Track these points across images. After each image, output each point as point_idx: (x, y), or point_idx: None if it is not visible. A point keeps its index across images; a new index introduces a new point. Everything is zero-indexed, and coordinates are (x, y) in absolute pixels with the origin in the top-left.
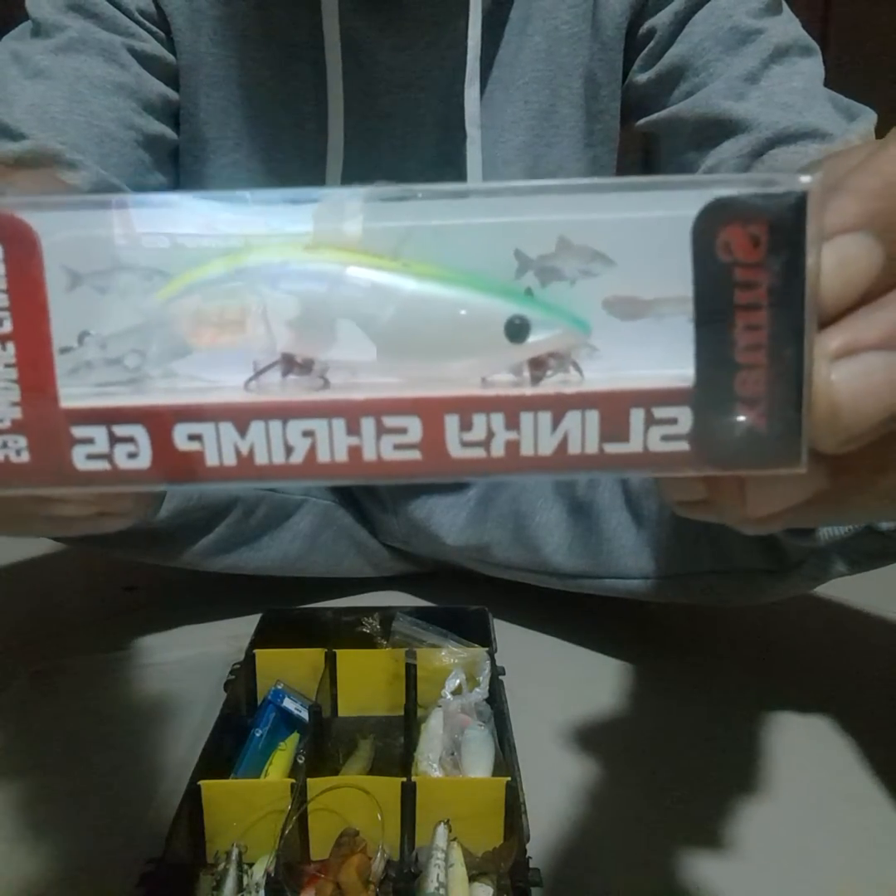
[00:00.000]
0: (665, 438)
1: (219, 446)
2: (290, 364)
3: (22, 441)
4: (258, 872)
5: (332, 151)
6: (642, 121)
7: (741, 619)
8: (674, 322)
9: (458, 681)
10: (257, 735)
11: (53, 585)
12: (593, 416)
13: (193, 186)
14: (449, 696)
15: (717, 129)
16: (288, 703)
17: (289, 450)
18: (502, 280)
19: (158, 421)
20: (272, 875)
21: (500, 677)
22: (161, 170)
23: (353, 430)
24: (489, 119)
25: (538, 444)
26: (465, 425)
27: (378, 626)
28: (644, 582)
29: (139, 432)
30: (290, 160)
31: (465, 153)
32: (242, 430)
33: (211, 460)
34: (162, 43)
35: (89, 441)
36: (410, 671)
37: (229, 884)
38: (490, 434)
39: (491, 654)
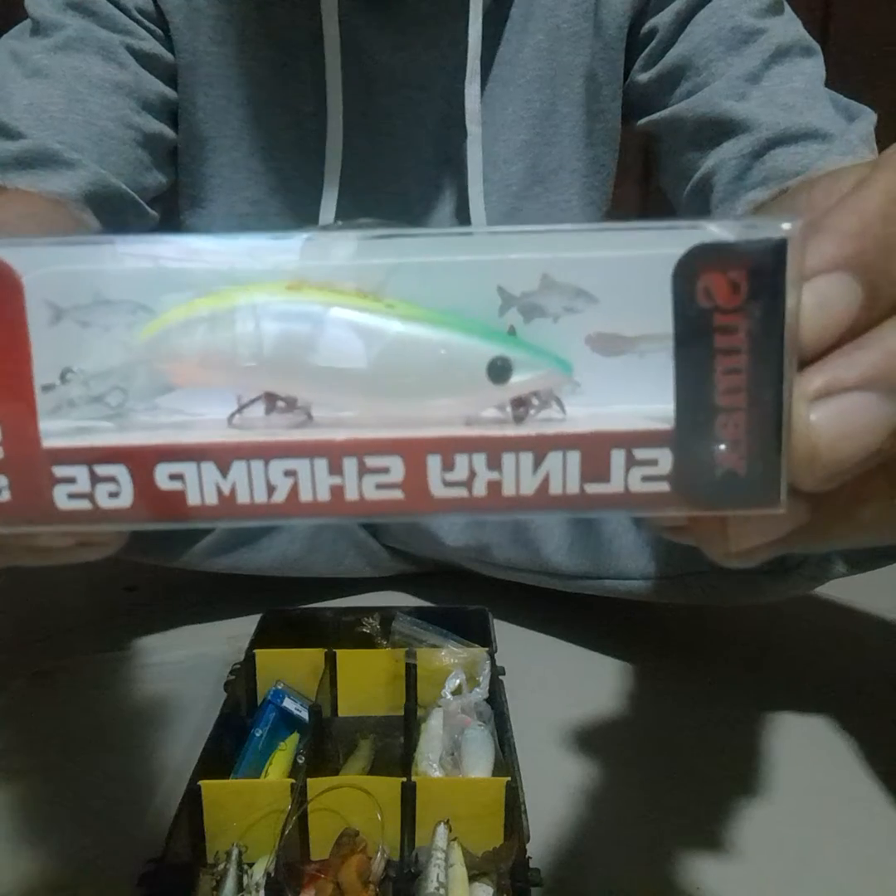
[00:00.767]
0: (646, 479)
1: (200, 486)
2: (272, 401)
3: (3, 480)
4: (258, 872)
5: (330, 150)
6: (643, 120)
7: (741, 619)
8: (656, 359)
9: (458, 681)
10: (257, 735)
11: (53, 585)
12: (575, 457)
13: (192, 185)
14: (449, 696)
15: (718, 129)
16: (288, 703)
17: (271, 489)
18: (485, 319)
19: (140, 461)
20: (272, 875)
21: (500, 677)
22: (160, 169)
23: (335, 469)
24: (490, 117)
25: (520, 484)
26: (448, 465)
27: (378, 626)
28: (644, 582)
29: (121, 472)
30: (288, 159)
31: (465, 151)
32: (224, 470)
33: (192, 500)
34: (160, 41)
35: (71, 480)
36: (410, 671)
37: (229, 884)
38: (472, 474)
39: (491, 654)
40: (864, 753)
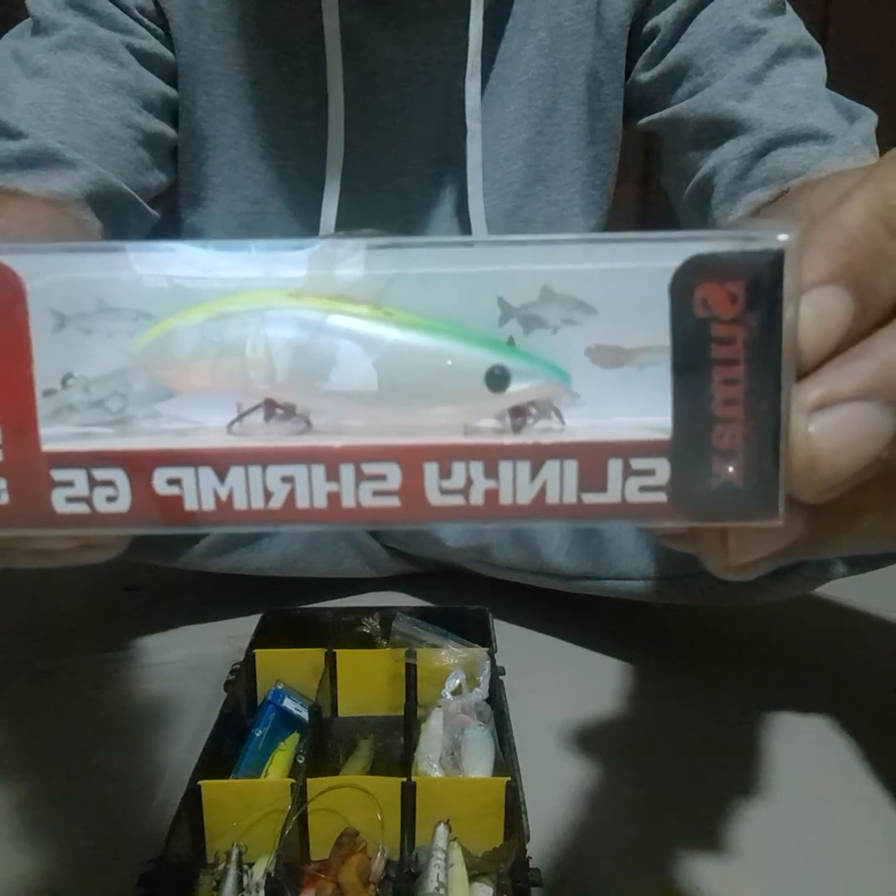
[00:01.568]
0: (643, 489)
1: (198, 491)
2: (271, 408)
3: (2, 483)
4: (258, 872)
5: (331, 147)
6: (644, 120)
7: (741, 619)
8: (655, 371)
9: (458, 681)
10: (257, 735)
11: (53, 585)
12: (572, 466)
13: (193, 184)
14: (449, 696)
15: (719, 129)
16: (288, 703)
17: (268, 495)
18: (484, 329)
19: (138, 465)
20: (272, 875)
21: (500, 677)
22: (161, 168)
23: (332, 476)
24: (491, 115)
25: (517, 492)
26: (445, 473)
27: (378, 626)
28: (644, 583)
29: (118, 476)
30: (289, 157)
31: (465, 149)
32: (222, 475)
33: (190, 505)
34: (160, 40)
35: (69, 484)
36: (410, 671)
37: (229, 884)
38: (469, 482)
39: (491, 654)
40: (864, 754)
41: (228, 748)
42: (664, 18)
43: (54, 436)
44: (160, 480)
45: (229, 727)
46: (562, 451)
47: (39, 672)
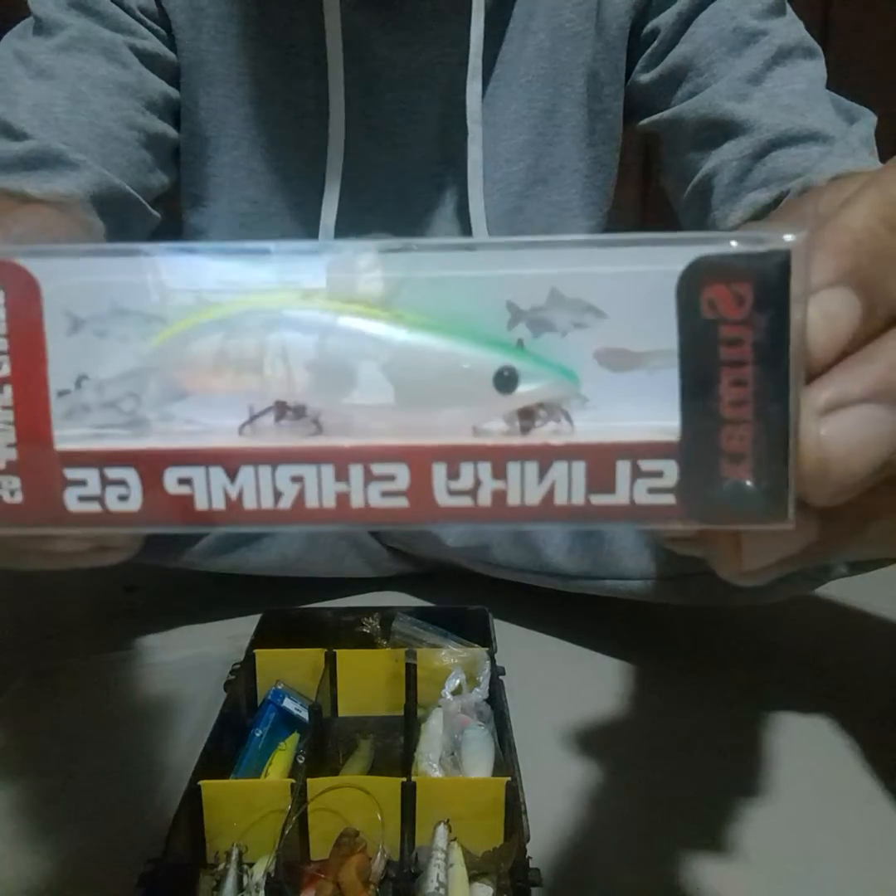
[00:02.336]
0: (651, 491)
1: (208, 491)
2: (282, 410)
3: (16, 482)
4: (258, 872)
5: (332, 148)
6: (644, 121)
7: (742, 619)
8: (664, 375)
9: (458, 681)
10: (257, 735)
11: (53, 585)
12: (580, 468)
13: (194, 184)
14: (449, 696)
15: (719, 130)
16: (288, 703)
17: (277, 495)
18: (493, 331)
19: (150, 464)
20: (272, 875)
21: (500, 677)
22: (163, 169)
23: (341, 476)
24: (491, 116)
25: (525, 493)
26: (453, 474)
27: (378, 626)
28: (644, 583)
29: (130, 475)
30: (290, 158)
31: (466, 150)
32: (232, 475)
33: (200, 504)
34: (163, 41)
35: (82, 483)
36: (410, 671)
37: (229, 884)
38: (477, 483)
39: (491, 654)
40: (865, 754)
41: (228, 748)
42: (664, 20)
43: (68, 436)
44: (171, 480)
45: (229, 727)
46: (570, 453)
47: (39, 672)
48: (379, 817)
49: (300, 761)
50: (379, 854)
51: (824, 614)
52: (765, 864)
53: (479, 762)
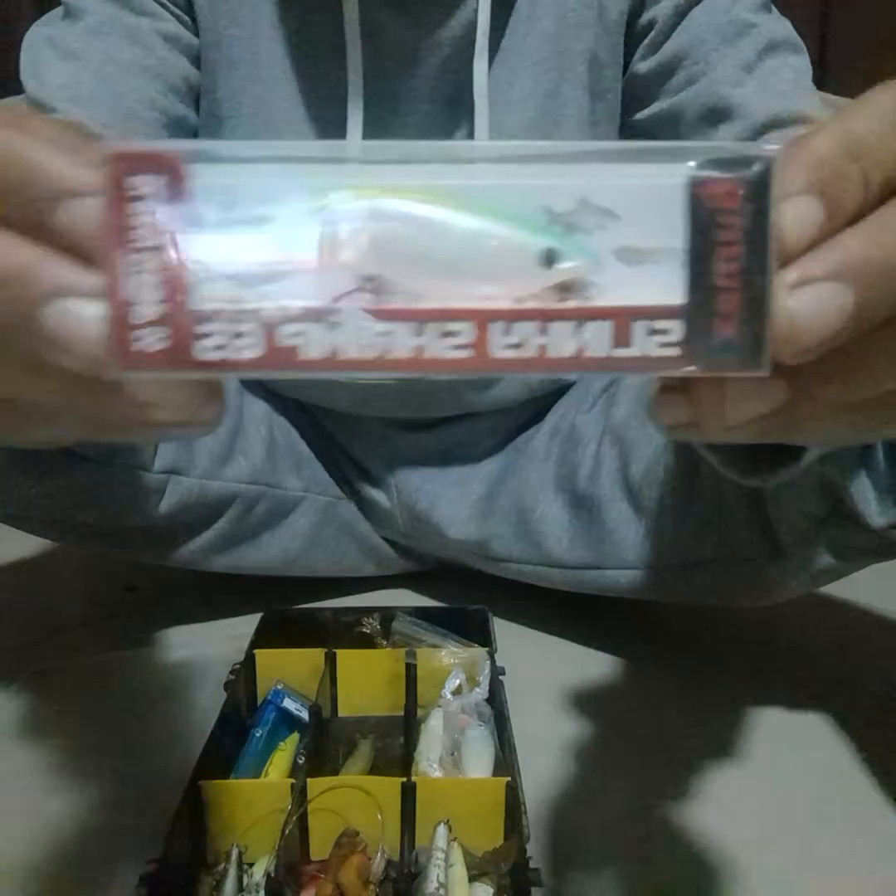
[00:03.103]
0: (661, 345)
1: (311, 343)
2: (364, 284)
3: (163, 331)
4: (258, 872)
5: (351, 131)
6: (643, 115)
7: (742, 620)
8: (669, 267)
9: (458, 681)
10: (257, 735)
11: (53, 585)
12: (606, 326)
13: None
14: (449, 696)
15: (715, 116)
16: (288, 703)
17: (365, 347)
18: (536, 226)
19: (267, 321)
20: (272, 875)
21: (500, 677)
22: None
23: (418, 333)
24: (499, 96)
25: (563, 347)
26: (507, 331)
27: (378, 626)
28: (646, 572)
29: (252, 328)
30: (305, 136)
31: (473, 123)
32: (331, 329)
33: (303, 355)
34: (185, 25)
35: (214, 335)
36: (410, 671)
37: (229, 884)
38: (525, 338)
39: (491, 654)
40: (865, 753)
41: (228, 748)
42: (661, 11)
43: (206, 297)
44: (283, 334)
45: (229, 727)
46: (599, 314)
47: (39, 672)
48: (379, 817)
49: (300, 761)
50: (379, 854)
51: (825, 614)
52: (765, 862)
53: (479, 762)
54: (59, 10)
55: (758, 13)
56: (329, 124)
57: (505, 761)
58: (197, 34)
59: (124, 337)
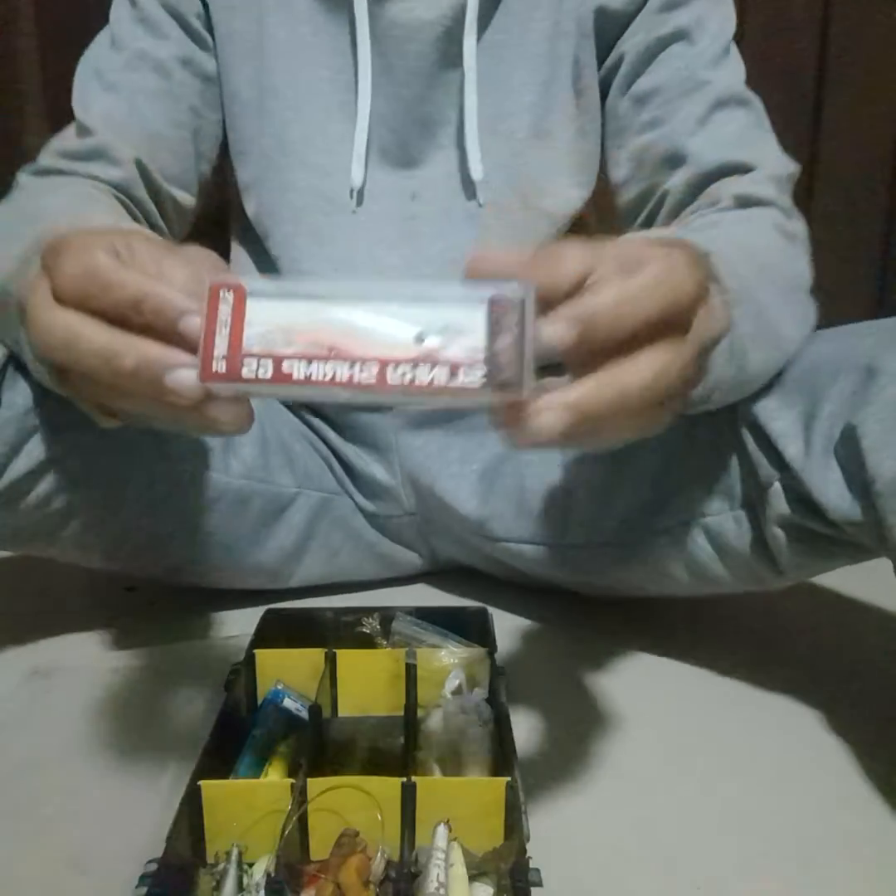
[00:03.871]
0: (474, 380)
1: (297, 371)
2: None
3: (224, 363)
4: (258, 872)
5: (361, 112)
6: (621, 154)
7: (742, 617)
8: (478, 341)
9: (458, 681)
10: (257, 735)
11: (53, 585)
12: (446, 368)
13: (239, 142)
14: (449, 696)
15: (674, 161)
16: (288, 703)
17: (324, 374)
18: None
19: (276, 359)
20: (272, 875)
21: (500, 677)
22: (206, 159)
23: (351, 367)
24: (499, 81)
25: (423, 379)
26: (395, 368)
27: (378, 626)
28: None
29: (266, 363)
30: (319, 104)
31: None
32: (309, 363)
33: (296, 378)
34: (202, 43)
35: (248, 365)
36: (410, 671)
37: (229, 884)
38: (404, 372)
39: (491, 654)
40: (866, 752)
41: (228, 748)
42: (632, 47)
43: (245, 347)
44: (283, 367)
45: (229, 727)
46: (442, 361)
47: (39, 672)
48: (379, 817)
49: (300, 761)
50: (379, 854)
51: (825, 610)
52: (765, 863)
53: (479, 762)
54: (107, 36)
55: (714, 68)
56: (341, 102)
57: (505, 761)
58: (214, 36)
59: (208, 367)
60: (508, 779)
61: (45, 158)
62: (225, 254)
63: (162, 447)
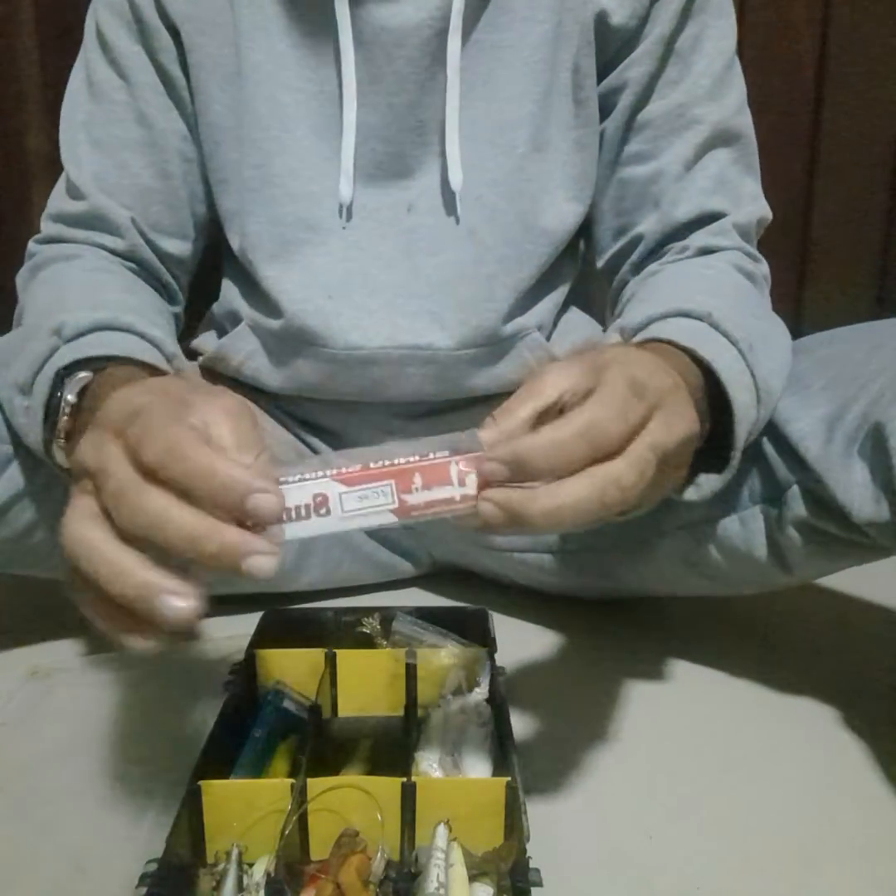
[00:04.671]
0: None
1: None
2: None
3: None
4: (258, 872)
5: (347, 118)
6: (597, 197)
7: (743, 617)
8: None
9: (458, 681)
10: (257, 735)
11: (53, 585)
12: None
13: (219, 169)
14: (449, 696)
15: (651, 206)
16: (288, 703)
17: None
18: None
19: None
20: (272, 875)
21: (500, 677)
22: (199, 200)
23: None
24: (500, 87)
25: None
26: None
27: (378, 626)
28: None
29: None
30: (304, 131)
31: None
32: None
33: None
34: (172, 83)
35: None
36: (410, 671)
37: (229, 884)
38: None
39: (491, 654)
40: (867, 752)
41: (228, 748)
42: (634, 77)
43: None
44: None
45: (229, 727)
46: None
47: (39, 672)
48: (379, 817)
49: (300, 761)
50: (379, 854)
51: (826, 609)
52: (765, 863)
53: (479, 762)
54: (84, 80)
55: (708, 101)
56: (325, 122)
57: (505, 761)
58: (187, 65)
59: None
60: (508, 779)
61: (48, 225)
62: (216, 288)
63: None
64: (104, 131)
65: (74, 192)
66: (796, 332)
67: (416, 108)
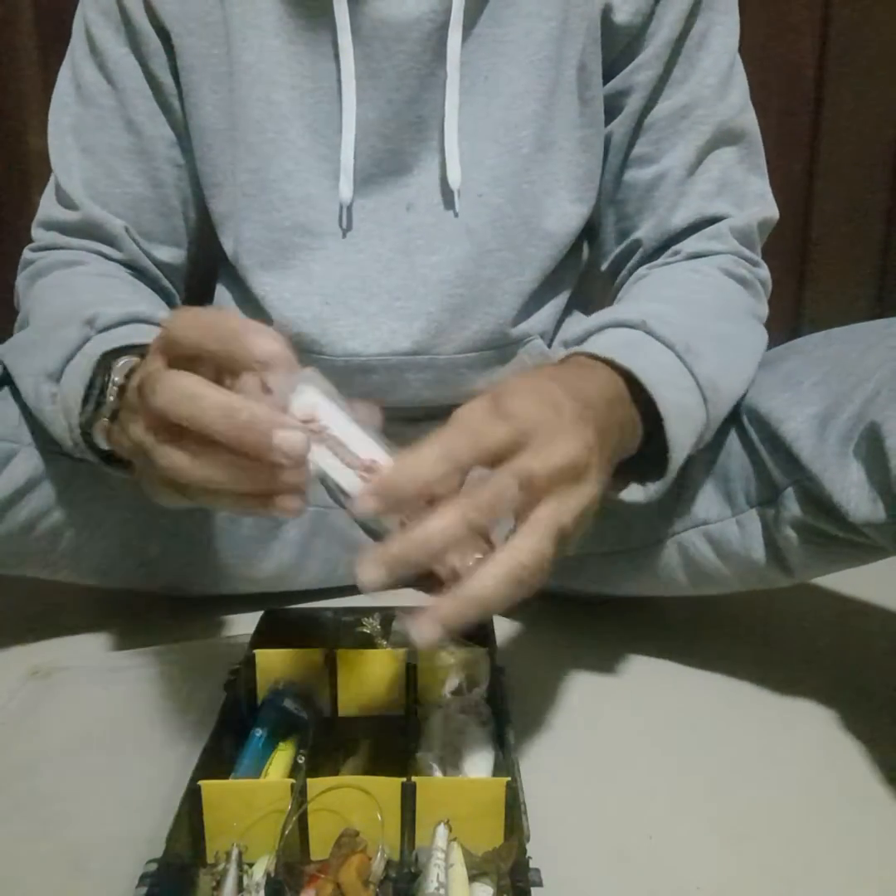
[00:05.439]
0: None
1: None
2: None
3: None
4: (258, 872)
5: (346, 119)
6: (600, 197)
7: (743, 617)
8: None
9: (458, 681)
10: (257, 735)
11: (54, 585)
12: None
13: (213, 173)
14: (449, 696)
15: (652, 210)
16: (288, 703)
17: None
18: None
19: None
20: (272, 875)
21: (500, 677)
22: (190, 207)
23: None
24: (504, 84)
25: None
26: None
27: (378, 626)
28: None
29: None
30: (300, 131)
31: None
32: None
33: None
34: (160, 89)
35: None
36: (410, 671)
37: (229, 884)
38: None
39: (491, 654)
40: (868, 751)
41: (228, 748)
42: (645, 80)
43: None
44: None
45: (229, 727)
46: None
47: (39, 672)
48: (379, 817)
49: (300, 761)
50: (379, 854)
51: (826, 609)
52: (765, 863)
53: (479, 762)
54: (71, 81)
55: (713, 101)
56: (324, 124)
57: (505, 761)
58: (177, 67)
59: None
60: (508, 779)
61: (42, 233)
62: (209, 294)
63: None
64: (93, 137)
65: (66, 201)
66: (796, 332)
67: (415, 103)
